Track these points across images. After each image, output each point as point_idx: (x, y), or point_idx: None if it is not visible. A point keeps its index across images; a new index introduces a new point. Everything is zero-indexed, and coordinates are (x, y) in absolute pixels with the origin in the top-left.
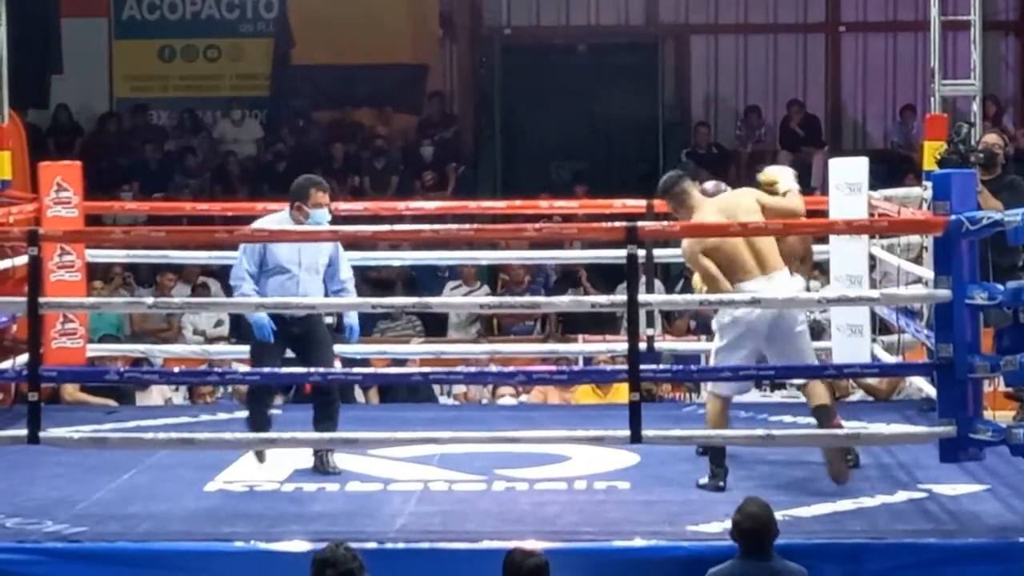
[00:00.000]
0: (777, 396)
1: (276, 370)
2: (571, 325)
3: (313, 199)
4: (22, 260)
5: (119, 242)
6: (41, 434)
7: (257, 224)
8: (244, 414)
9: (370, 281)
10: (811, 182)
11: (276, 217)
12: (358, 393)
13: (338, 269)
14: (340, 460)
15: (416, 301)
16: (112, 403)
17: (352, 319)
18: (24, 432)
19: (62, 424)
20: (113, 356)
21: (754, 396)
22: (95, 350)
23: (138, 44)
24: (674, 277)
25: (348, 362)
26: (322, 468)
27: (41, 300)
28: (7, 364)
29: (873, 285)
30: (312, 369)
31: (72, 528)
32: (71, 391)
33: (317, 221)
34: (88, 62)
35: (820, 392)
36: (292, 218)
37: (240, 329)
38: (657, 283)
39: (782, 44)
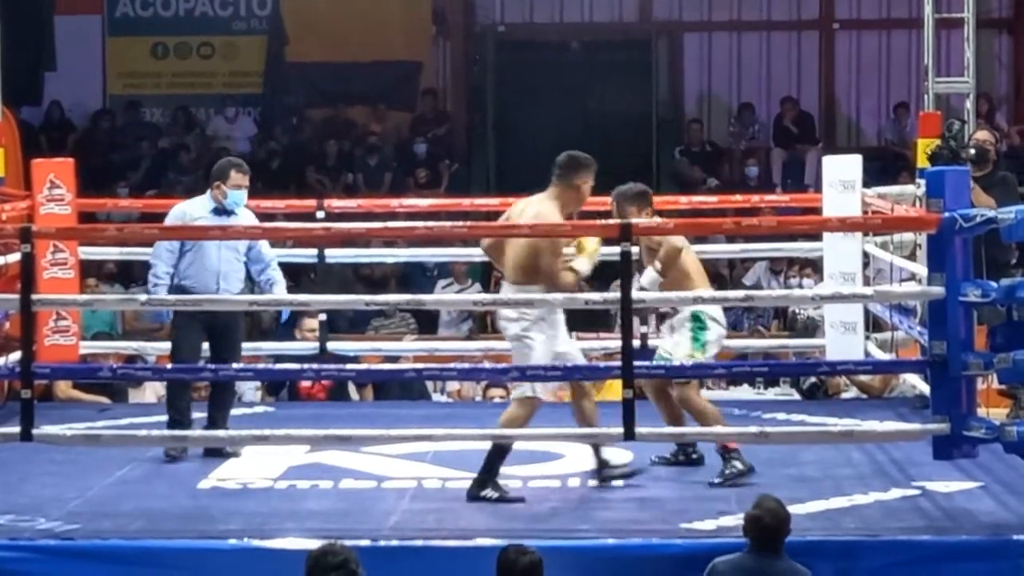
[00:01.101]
0: (771, 393)
1: (270, 367)
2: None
3: (232, 180)
4: (15, 257)
5: (112, 239)
6: (34, 431)
7: (180, 206)
8: (240, 412)
9: (363, 278)
10: (805, 179)
11: (198, 200)
12: (352, 390)
13: (259, 248)
14: (334, 457)
15: (410, 298)
16: (105, 400)
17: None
18: (17, 429)
19: (55, 421)
20: (106, 353)
21: (748, 394)
22: (88, 347)
23: (131, 41)
24: None
25: (341, 359)
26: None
27: (34, 297)
28: (0, 361)
29: (867, 282)
30: (307, 366)
31: (65, 525)
32: (64, 388)
33: (234, 201)
34: (81, 59)
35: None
36: (212, 198)
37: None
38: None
39: (776, 41)
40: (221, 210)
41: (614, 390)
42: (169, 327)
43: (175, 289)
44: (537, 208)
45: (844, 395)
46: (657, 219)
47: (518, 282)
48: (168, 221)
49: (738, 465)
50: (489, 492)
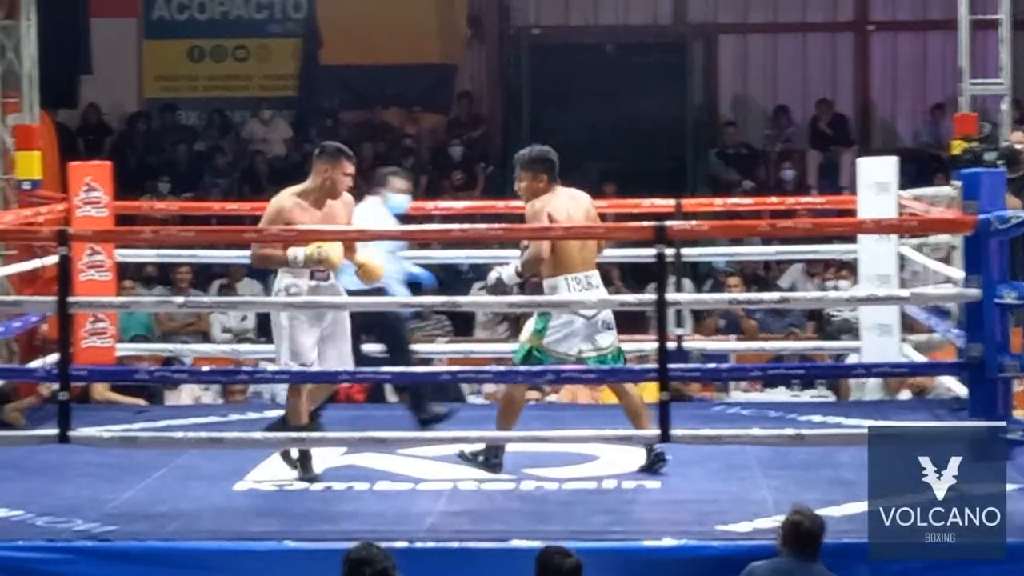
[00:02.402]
0: (806, 396)
1: (305, 369)
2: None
3: (393, 186)
4: (52, 260)
5: (148, 241)
6: (71, 433)
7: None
8: (275, 413)
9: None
10: (840, 181)
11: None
12: (388, 392)
13: None
14: (370, 459)
15: (445, 300)
16: (142, 403)
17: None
18: (54, 431)
19: (92, 423)
20: (143, 356)
21: (784, 396)
22: (125, 349)
23: (167, 44)
24: (703, 276)
25: (377, 361)
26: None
27: (71, 299)
28: (37, 363)
29: (902, 285)
30: (343, 369)
31: (102, 527)
32: (101, 390)
33: (397, 206)
34: (118, 62)
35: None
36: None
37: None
38: (686, 282)
39: (811, 43)
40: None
41: (649, 392)
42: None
43: None
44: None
45: (900, 395)
46: (559, 188)
47: None
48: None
49: (493, 460)
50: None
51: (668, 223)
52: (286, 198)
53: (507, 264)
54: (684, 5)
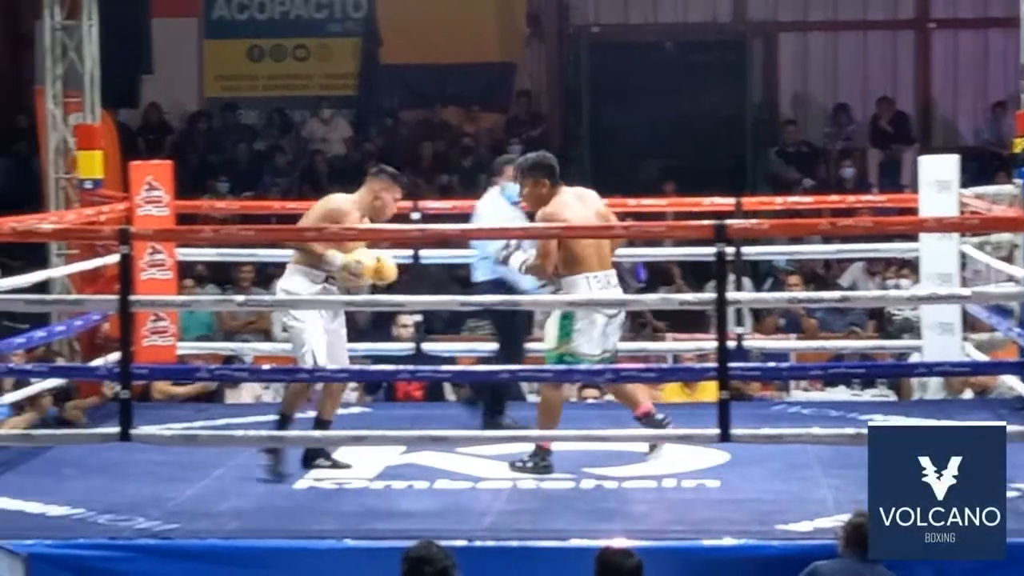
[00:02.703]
0: (867, 395)
1: (366, 368)
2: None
3: (507, 175)
4: (113, 259)
5: (209, 240)
6: (132, 431)
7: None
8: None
9: (459, 279)
10: (901, 180)
11: (493, 198)
12: (448, 391)
13: None
14: (430, 458)
15: (504, 299)
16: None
17: None
18: (116, 429)
19: (153, 422)
20: (203, 354)
21: (844, 395)
22: (186, 348)
23: (228, 44)
24: (763, 275)
25: (436, 360)
26: None
27: (132, 298)
28: (99, 362)
29: (963, 283)
30: (403, 367)
31: (163, 525)
32: (162, 389)
33: (511, 196)
34: (178, 62)
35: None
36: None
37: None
38: (746, 281)
39: (872, 41)
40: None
41: (709, 391)
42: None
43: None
44: None
45: (963, 395)
46: (564, 190)
47: None
48: (484, 221)
49: (541, 464)
50: (322, 461)
51: (728, 222)
52: (345, 201)
53: (520, 251)
54: (744, 3)
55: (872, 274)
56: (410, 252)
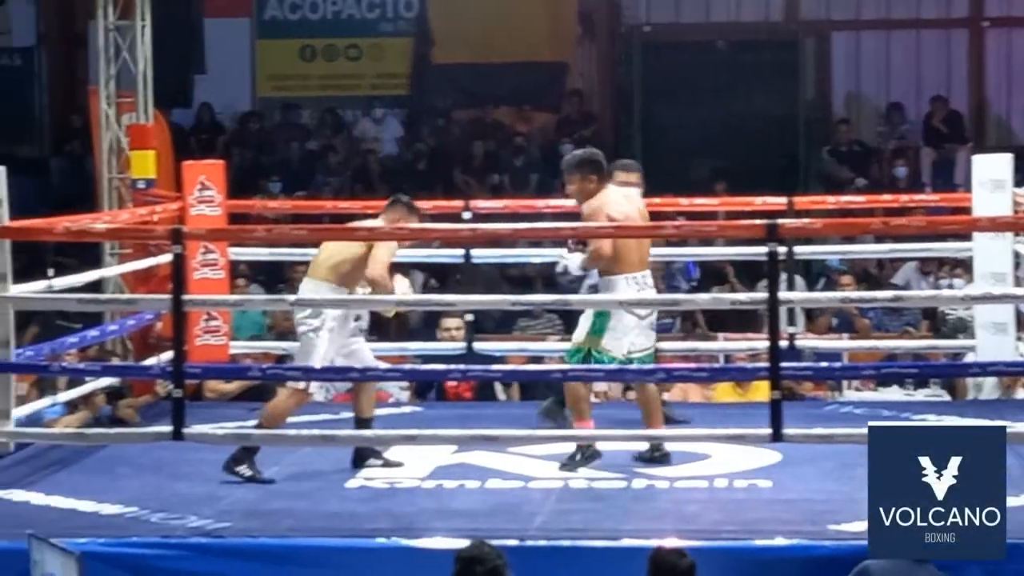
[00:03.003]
0: (920, 395)
1: (417, 367)
2: (715, 323)
3: (618, 179)
4: (166, 258)
5: (262, 240)
6: (185, 430)
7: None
8: (385, 412)
9: (510, 279)
10: (955, 179)
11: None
12: (498, 390)
13: None
14: (481, 457)
15: (556, 298)
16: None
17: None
18: (169, 428)
19: (206, 421)
20: (255, 354)
21: (897, 395)
22: (238, 347)
23: (280, 44)
24: (816, 275)
25: (487, 359)
26: None
27: (185, 297)
28: (152, 361)
29: (1018, 283)
30: (453, 367)
31: (216, 524)
32: (214, 387)
33: None
34: (231, 62)
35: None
36: None
37: None
38: (799, 280)
39: (925, 40)
40: None
41: (761, 391)
42: None
43: None
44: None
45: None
46: (611, 187)
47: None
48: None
49: (587, 452)
50: (244, 469)
51: (780, 221)
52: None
53: (574, 255)
54: (796, 2)
55: (925, 273)
56: (461, 251)
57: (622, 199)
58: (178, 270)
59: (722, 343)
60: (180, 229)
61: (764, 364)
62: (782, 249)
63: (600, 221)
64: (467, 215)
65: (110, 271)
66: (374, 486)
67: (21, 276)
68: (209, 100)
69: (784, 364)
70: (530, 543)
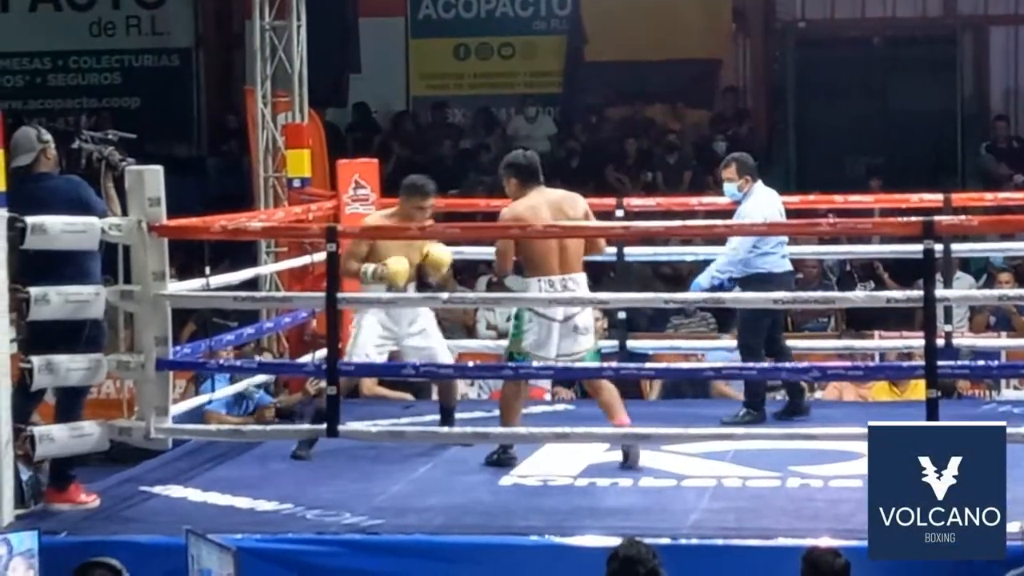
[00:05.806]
0: None
1: (569, 365)
2: (866, 321)
3: (723, 175)
4: (321, 256)
5: (415, 238)
6: (340, 428)
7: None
8: (539, 409)
9: (663, 277)
10: None
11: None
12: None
13: None
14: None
15: (708, 296)
16: (409, 398)
17: None
18: (323, 426)
19: (360, 418)
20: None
21: None
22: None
23: (434, 43)
24: (974, 272)
25: (637, 357)
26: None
27: (339, 295)
28: (307, 358)
29: None
30: (606, 364)
31: (370, 520)
32: (369, 386)
33: (728, 194)
34: (385, 61)
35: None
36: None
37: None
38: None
39: None
40: None
41: (918, 390)
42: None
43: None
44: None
45: None
46: (542, 189)
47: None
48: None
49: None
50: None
51: (936, 218)
52: (375, 218)
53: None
54: None
55: None
56: (614, 249)
57: (539, 198)
58: (332, 268)
59: (877, 341)
60: (334, 227)
61: (920, 363)
62: (938, 247)
63: (505, 223)
64: (620, 213)
65: (266, 269)
66: (527, 484)
67: (179, 274)
68: (364, 99)
69: (941, 362)
70: (683, 542)
